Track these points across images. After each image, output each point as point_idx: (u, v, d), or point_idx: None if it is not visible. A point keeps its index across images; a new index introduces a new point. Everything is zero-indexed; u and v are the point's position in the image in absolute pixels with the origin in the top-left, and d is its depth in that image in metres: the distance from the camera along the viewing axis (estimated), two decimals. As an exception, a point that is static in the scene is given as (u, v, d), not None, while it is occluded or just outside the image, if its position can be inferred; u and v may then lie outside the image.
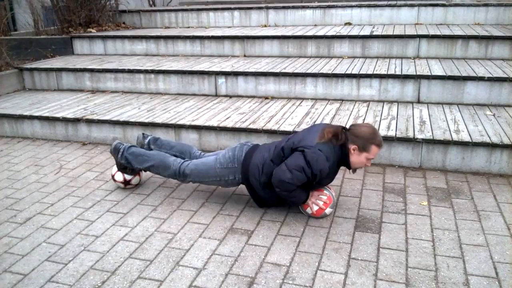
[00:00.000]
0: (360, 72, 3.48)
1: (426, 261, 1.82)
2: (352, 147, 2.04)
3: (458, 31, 4.02)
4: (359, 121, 2.98)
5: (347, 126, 2.14)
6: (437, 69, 3.49)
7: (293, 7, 5.05)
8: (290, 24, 5.09)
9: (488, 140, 2.57)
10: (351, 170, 2.16)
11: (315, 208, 2.13)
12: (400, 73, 3.39)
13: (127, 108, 3.57)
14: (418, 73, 3.38)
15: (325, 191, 2.15)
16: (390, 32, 4.10)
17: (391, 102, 3.43)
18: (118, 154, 2.46)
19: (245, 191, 2.38)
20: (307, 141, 2.04)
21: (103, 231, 2.14)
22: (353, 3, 4.87)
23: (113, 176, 2.55)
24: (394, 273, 1.75)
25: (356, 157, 2.06)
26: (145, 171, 2.52)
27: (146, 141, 2.57)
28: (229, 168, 2.21)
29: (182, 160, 2.36)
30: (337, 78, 3.52)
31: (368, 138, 2.03)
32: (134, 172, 2.53)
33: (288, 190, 2.03)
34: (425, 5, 4.64)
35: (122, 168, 2.50)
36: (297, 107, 3.40)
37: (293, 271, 1.79)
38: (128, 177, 2.52)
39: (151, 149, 2.54)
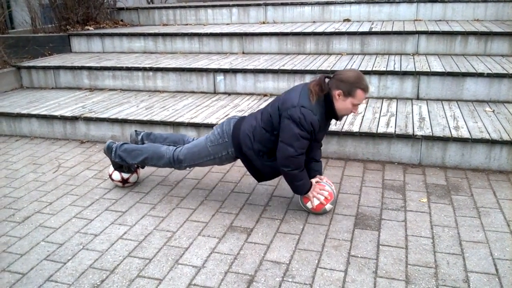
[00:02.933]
0: (359, 69, 3.46)
1: (426, 258, 1.81)
2: (336, 92, 2.01)
3: (457, 27, 4.00)
4: (358, 118, 2.97)
5: (343, 119, 2.11)
6: (437, 65, 3.47)
7: (292, 4, 5.03)
8: (289, 21, 5.07)
9: (487, 137, 2.56)
10: (338, 120, 2.13)
11: (316, 202, 2.13)
12: (399, 70, 3.38)
13: (125, 106, 3.55)
14: (417, 69, 3.37)
15: (326, 187, 2.15)
16: (389, 29, 4.09)
17: (390, 98, 3.42)
18: (111, 153, 2.45)
19: (244, 189, 2.37)
20: (290, 100, 2.02)
21: (102, 229, 2.13)
22: (352, 0, 4.85)
23: (110, 176, 2.54)
24: (394, 270, 1.75)
25: (341, 103, 2.02)
26: (142, 166, 2.52)
27: (139, 137, 2.56)
28: (220, 144, 2.20)
29: (174, 147, 2.35)
30: (336, 75, 3.51)
31: (353, 82, 1.99)
32: (131, 170, 2.52)
33: (299, 165, 2.02)
34: (424, 1, 4.62)
35: (118, 167, 2.49)
36: (296, 104, 3.39)
37: (292, 268, 1.78)
38: (125, 175, 2.51)
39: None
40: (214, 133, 2.25)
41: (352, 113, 2.08)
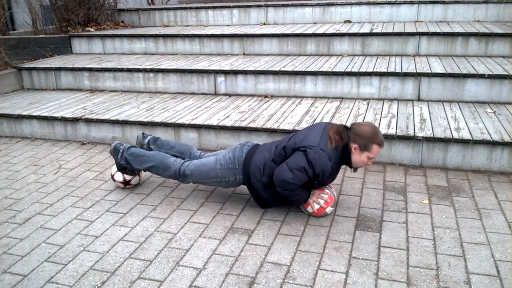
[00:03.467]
0: (360, 70, 3.47)
1: (427, 259, 1.81)
2: (353, 146, 2.04)
3: (458, 29, 4.00)
4: (359, 119, 2.97)
5: (348, 124, 2.13)
6: (437, 66, 3.47)
7: (292, 5, 5.03)
8: (290, 22, 5.07)
9: (488, 138, 2.56)
10: (352, 169, 2.15)
11: (316, 206, 2.12)
12: (400, 71, 3.38)
13: (126, 108, 3.56)
14: (418, 70, 3.36)
15: (326, 190, 2.14)
16: (390, 30, 4.09)
17: (391, 100, 3.41)
18: (117, 154, 2.45)
19: (245, 190, 2.37)
20: (309, 140, 2.03)
21: (102, 231, 2.13)
22: (353, 1, 4.85)
23: (112, 176, 2.54)
24: (395, 272, 1.75)
25: (357, 157, 2.05)
26: (145, 171, 2.51)
27: (146, 141, 2.55)
28: (230, 169, 2.20)
29: (182, 161, 2.35)
30: (337, 76, 3.51)
31: (369, 137, 2.02)
32: (134, 172, 2.52)
33: (290, 189, 2.03)
34: (425, 2, 4.62)
35: (121, 169, 2.49)
36: (296, 105, 3.39)
37: (293, 270, 1.78)
38: (128, 177, 2.51)
39: (150, 149, 2.53)
40: (225, 156, 2.23)
41: (366, 165, 2.12)
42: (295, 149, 2.05)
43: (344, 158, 2.07)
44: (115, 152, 2.46)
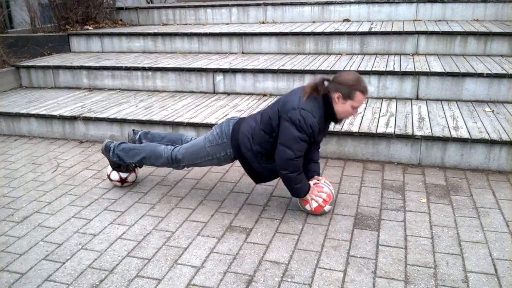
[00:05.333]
0: (359, 69, 3.46)
1: (425, 258, 1.81)
2: (336, 95, 2.00)
3: (456, 28, 4.01)
4: (358, 118, 2.97)
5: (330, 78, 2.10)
6: (436, 65, 3.47)
7: (291, 4, 5.02)
8: (289, 21, 5.06)
9: (487, 137, 2.56)
10: (338, 122, 2.13)
11: (315, 205, 2.12)
12: (398, 70, 3.38)
13: (124, 106, 3.55)
14: (417, 69, 3.37)
15: (325, 188, 2.14)
16: (388, 29, 4.09)
17: (390, 98, 3.42)
18: (109, 153, 2.44)
19: (243, 188, 2.37)
20: (290, 103, 2.02)
21: (100, 229, 2.13)
22: (352, 0, 4.85)
23: (108, 176, 2.53)
24: (393, 270, 1.75)
25: (341, 106, 2.02)
26: (140, 166, 2.51)
27: (137, 136, 2.56)
28: (219, 145, 2.20)
29: (173, 147, 2.34)
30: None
31: (352, 84, 1.98)
32: (129, 169, 2.51)
33: (297, 168, 2.02)
34: (424, 1, 4.62)
35: (116, 167, 2.49)
36: (295, 104, 3.38)
37: (292, 269, 1.78)
38: (123, 175, 2.51)
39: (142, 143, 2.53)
40: (213, 133, 2.24)
41: (351, 116, 2.07)
42: (279, 116, 2.03)
43: (327, 111, 2.04)
44: (106, 150, 2.46)
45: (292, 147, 1.98)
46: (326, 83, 2.05)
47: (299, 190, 2.11)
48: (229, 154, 2.21)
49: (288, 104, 2.02)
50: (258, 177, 2.22)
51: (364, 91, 2.00)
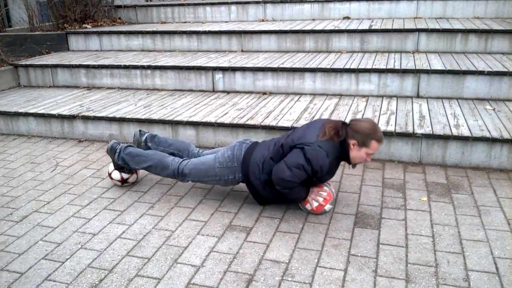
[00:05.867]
0: (359, 67, 3.45)
1: (426, 257, 1.80)
2: (352, 142, 2.02)
3: (457, 25, 3.99)
4: (358, 116, 2.96)
5: (347, 121, 2.11)
6: (437, 63, 3.46)
7: (291, 1, 5.00)
8: (288, 19, 5.04)
9: (488, 135, 2.55)
10: (350, 166, 2.14)
11: (315, 204, 2.11)
12: (399, 68, 3.37)
13: (123, 105, 3.53)
14: (417, 67, 3.35)
15: (325, 188, 2.13)
16: (389, 26, 4.07)
17: (390, 97, 3.40)
18: (114, 154, 2.43)
19: (243, 187, 2.36)
20: (307, 137, 2.02)
21: (100, 229, 2.12)
22: (351, -3, 4.84)
23: (109, 174, 2.52)
24: (394, 269, 1.74)
25: (356, 153, 2.04)
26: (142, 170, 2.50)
27: (143, 138, 2.53)
28: (229, 168, 2.19)
29: (181, 160, 2.33)
30: (335, 73, 3.49)
31: (368, 133, 2.01)
32: (132, 171, 2.50)
33: (288, 187, 2.02)
34: (424, -1, 4.61)
35: (119, 168, 2.47)
36: (295, 102, 3.37)
37: (292, 268, 1.77)
38: (125, 175, 2.50)
39: (148, 147, 2.51)
40: (224, 155, 2.22)
41: (365, 161, 2.10)
42: (293, 147, 2.04)
43: (342, 154, 2.06)
44: (112, 151, 2.44)
45: (292, 170, 1.97)
46: (344, 127, 2.05)
47: (295, 199, 2.14)
48: (237, 178, 2.20)
49: (305, 138, 2.02)
50: (263, 200, 2.23)
51: (379, 140, 2.02)
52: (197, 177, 2.28)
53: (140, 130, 2.59)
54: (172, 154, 2.43)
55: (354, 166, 2.15)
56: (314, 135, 2.02)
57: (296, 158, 1.98)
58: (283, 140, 2.12)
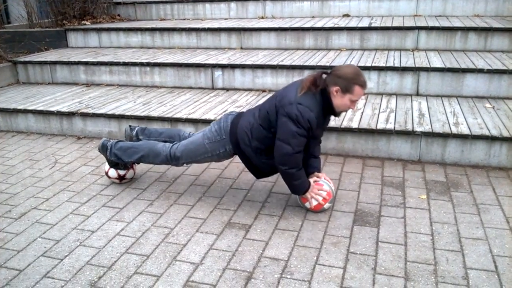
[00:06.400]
0: (359, 64, 3.44)
1: (425, 255, 1.81)
2: (334, 89, 1.97)
3: (457, 23, 3.98)
4: (357, 114, 2.95)
5: (342, 115, 2.08)
6: (436, 61, 3.46)
7: (291, -1, 4.99)
8: (288, 16, 5.03)
9: (487, 133, 2.55)
10: (336, 115, 2.09)
11: (314, 203, 2.11)
12: (398, 65, 3.36)
13: (122, 102, 3.52)
14: (417, 65, 3.35)
15: (325, 186, 2.13)
16: (388, 24, 4.06)
17: (390, 94, 3.40)
18: (106, 151, 2.42)
19: (242, 185, 2.36)
20: (287, 97, 1.99)
21: (99, 226, 2.11)
22: (351, -5, 4.82)
23: (106, 173, 2.51)
24: (393, 267, 1.74)
25: (339, 99, 1.99)
26: (137, 163, 2.49)
27: (134, 132, 2.53)
28: (218, 141, 2.18)
29: (171, 144, 2.32)
30: (335, 70, 3.48)
31: (351, 78, 1.96)
32: (127, 166, 2.50)
33: (296, 164, 2.00)
34: (424, -4, 4.60)
35: (114, 165, 2.47)
36: (295, 100, 3.36)
37: (291, 265, 1.77)
38: (122, 172, 2.49)
39: (139, 140, 2.51)
40: (211, 129, 2.22)
41: (350, 109, 2.05)
42: (277, 110, 2.01)
43: (326, 105, 2.01)
44: (103, 149, 2.44)
45: (290, 142, 1.96)
46: (324, 76, 2.03)
47: (298, 187, 2.09)
48: (228, 150, 2.19)
49: (285, 98, 2.00)
50: (258, 171, 2.21)
51: (363, 85, 1.98)
52: (190, 157, 2.27)
53: (130, 126, 2.58)
54: (165, 142, 2.42)
55: (338, 114, 2.09)
56: (293, 93, 1.99)
57: (285, 128, 1.96)
58: (267, 105, 2.09)
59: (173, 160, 2.30)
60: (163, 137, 2.47)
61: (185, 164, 2.36)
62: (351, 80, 1.96)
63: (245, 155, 2.15)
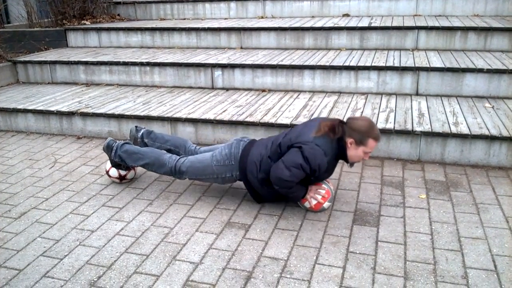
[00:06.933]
0: (358, 64, 3.45)
1: (425, 254, 1.81)
2: (349, 141, 2.02)
3: (457, 23, 3.98)
4: (357, 114, 2.95)
5: (345, 119, 2.11)
6: (436, 61, 3.46)
7: (290, -2, 4.99)
8: (288, 16, 5.03)
9: (487, 133, 2.55)
10: (349, 164, 2.14)
11: (314, 202, 2.11)
12: (398, 65, 3.36)
13: (122, 101, 3.52)
14: (416, 65, 3.35)
15: (323, 185, 2.13)
16: (388, 24, 4.06)
17: (390, 94, 3.40)
18: (111, 152, 2.42)
19: (242, 185, 2.35)
20: (304, 136, 2.01)
21: (98, 225, 2.12)
22: (351, -6, 4.82)
23: (107, 172, 2.51)
24: (392, 266, 1.74)
25: (353, 151, 2.03)
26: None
27: (140, 134, 2.53)
28: (226, 166, 2.18)
29: (178, 157, 2.32)
30: (335, 70, 3.49)
31: (365, 131, 2.00)
32: (129, 167, 2.50)
33: (287, 187, 2.02)
34: (424, -4, 4.60)
35: (116, 165, 2.47)
36: (294, 99, 3.37)
37: (290, 265, 1.77)
38: (123, 172, 2.49)
39: (144, 143, 2.50)
40: (222, 152, 2.21)
41: (363, 160, 2.10)
42: (290, 146, 2.03)
43: (340, 152, 2.05)
44: (108, 149, 2.44)
45: (291, 170, 1.96)
46: (341, 125, 2.04)
47: (294, 197, 2.13)
48: (234, 176, 2.20)
49: (302, 137, 2.01)
50: (261, 198, 2.23)
51: (376, 138, 2.01)
52: (195, 175, 2.27)
53: (136, 126, 2.58)
54: (169, 150, 2.43)
55: (352, 165, 2.14)
56: (310, 134, 2.01)
57: (294, 157, 1.97)
58: (281, 139, 2.11)
59: (177, 173, 2.29)
60: (168, 145, 2.46)
61: (187, 179, 2.36)
62: (365, 134, 1.99)
63: (250, 184, 2.17)
